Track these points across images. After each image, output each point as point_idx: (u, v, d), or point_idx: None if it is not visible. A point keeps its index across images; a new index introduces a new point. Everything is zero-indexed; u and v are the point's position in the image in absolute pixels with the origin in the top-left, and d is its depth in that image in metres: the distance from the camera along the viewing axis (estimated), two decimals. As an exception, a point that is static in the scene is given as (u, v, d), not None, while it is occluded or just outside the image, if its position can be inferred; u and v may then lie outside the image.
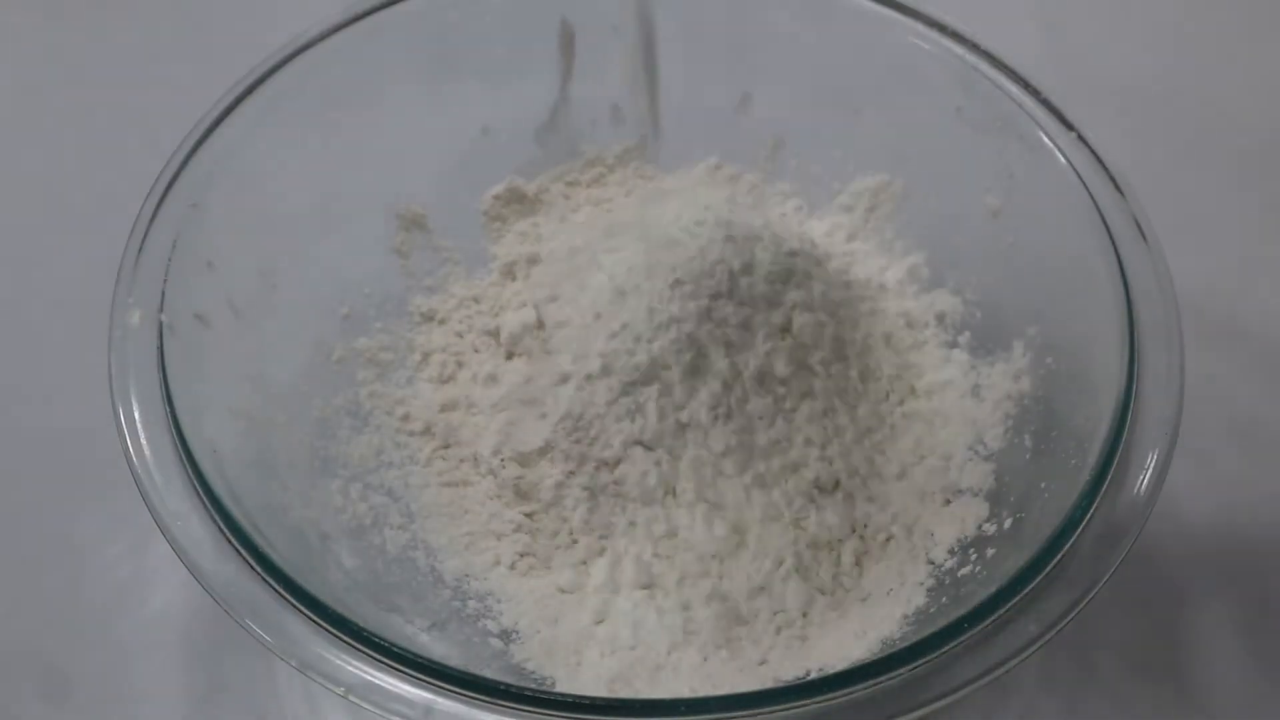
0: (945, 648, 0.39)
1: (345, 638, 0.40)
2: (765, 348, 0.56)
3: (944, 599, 0.48)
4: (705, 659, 0.49)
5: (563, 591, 0.52)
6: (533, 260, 0.62)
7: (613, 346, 0.54)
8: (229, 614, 0.41)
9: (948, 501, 0.53)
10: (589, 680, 0.48)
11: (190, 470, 0.43)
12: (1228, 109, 0.77)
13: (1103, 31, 0.83)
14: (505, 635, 0.50)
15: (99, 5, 0.81)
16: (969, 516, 0.52)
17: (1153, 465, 0.44)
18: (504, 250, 0.63)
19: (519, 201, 0.64)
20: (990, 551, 0.49)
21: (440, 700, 0.38)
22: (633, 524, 0.53)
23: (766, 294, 0.57)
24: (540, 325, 0.58)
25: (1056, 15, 0.83)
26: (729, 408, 0.55)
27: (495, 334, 0.59)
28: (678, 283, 0.54)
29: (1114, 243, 0.50)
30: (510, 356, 0.58)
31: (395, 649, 0.39)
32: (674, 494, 0.54)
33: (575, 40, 0.63)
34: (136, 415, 0.44)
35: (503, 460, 0.55)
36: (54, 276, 0.66)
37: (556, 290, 0.60)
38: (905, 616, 0.49)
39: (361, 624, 0.40)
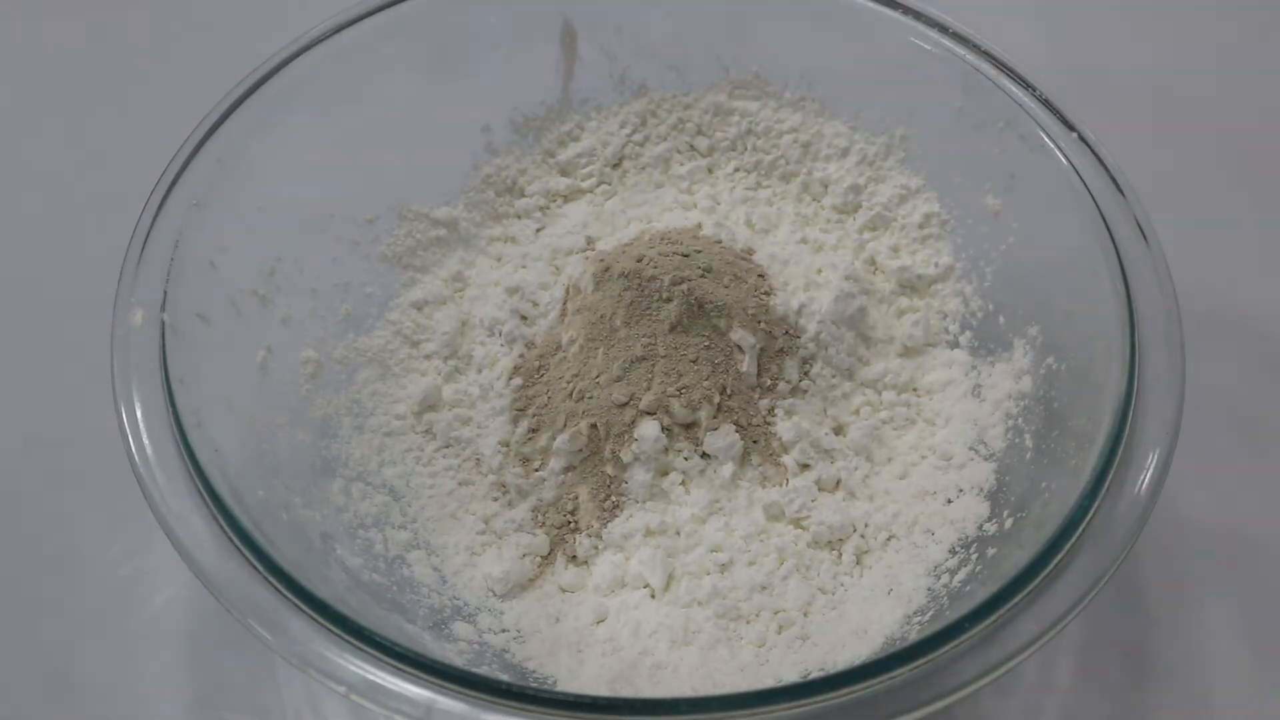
0: (946, 648, 0.39)
1: (347, 637, 0.40)
2: (762, 348, 0.56)
3: (945, 598, 0.48)
4: (705, 659, 0.49)
5: (564, 591, 0.52)
6: (532, 256, 0.62)
7: (612, 346, 0.54)
8: (230, 613, 0.41)
9: (948, 501, 0.53)
10: (590, 679, 0.48)
11: (192, 469, 0.43)
12: (1228, 110, 0.77)
13: (1104, 32, 0.83)
14: (506, 634, 0.50)
15: (99, 5, 0.82)
16: (969, 516, 0.52)
17: (1153, 465, 0.44)
18: (499, 248, 0.63)
19: (509, 192, 0.64)
20: (990, 551, 0.49)
21: (442, 699, 0.38)
22: (633, 524, 0.53)
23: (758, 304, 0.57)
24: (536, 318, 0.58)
25: (1058, 16, 0.83)
26: (731, 408, 0.55)
27: (496, 333, 0.59)
28: (677, 278, 0.55)
29: (1114, 243, 0.50)
30: (513, 365, 0.58)
31: (397, 648, 0.39)
32: (674, 494, 0.54)
33: (576, 40, 0.63)
34: (139, 414, 0.44)
35: (504, 459, 0.55)
36: (56, 276, 0.66)
37: (547, 279, 0.60)
38: (906, 616, 0.49)
39: (363, 623, 0.40)
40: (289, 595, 0.41)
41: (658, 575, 0.51)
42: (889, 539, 0.53)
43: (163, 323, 0.47)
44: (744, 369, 0.55)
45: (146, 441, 0.44)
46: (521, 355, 0.57)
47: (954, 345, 0.59)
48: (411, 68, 0.60)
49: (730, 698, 0.39)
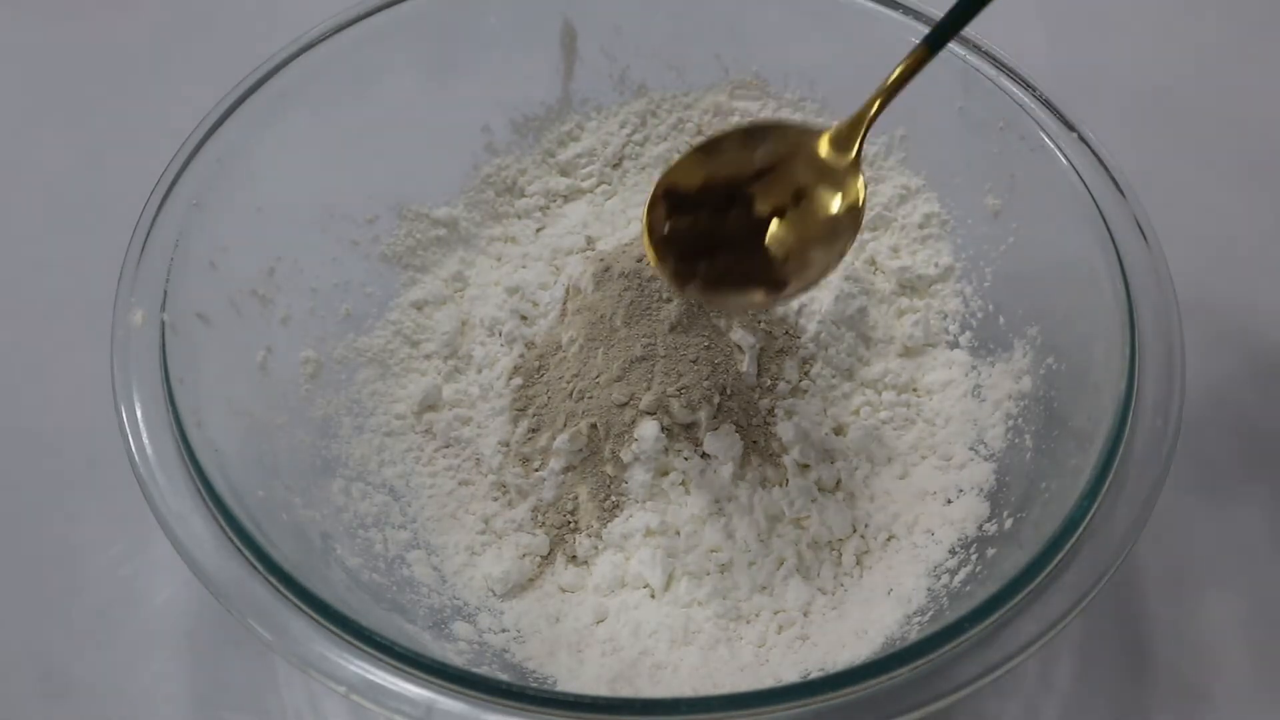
0: (945, 648, 0.40)
1: (347, 637, 0.40)
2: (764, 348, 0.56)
3: (945, 599, 0.48)
4: (705, 659, 0.49)
5: (564, 591, 0.52)
6: (532, 256, 0.62)
7: (612, 346, 0.54)
8: (230, 613, 0.41)
9: (948, 501, 0.53)
10: (590, 679, 0.48)
11: (192, 469, 0.43)
12: (1228, 109, 0.77)
13: (1104, 33, 0.83)
14: (506, 634, 0.50)
15: (99, 5, 0.82)
16: (969, 516, 0.52)
17: (1153, 465, 0.44)
18: (499, 248, 0.63)
19: (509, 192, 0.64)
20: (990, 551, 0.49)
21: (442, 699, 0.38)
22: (633, 524, 0.53)
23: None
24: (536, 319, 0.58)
25: (1058, 16, 0.83)
26: (731, 408, 0.55)
27: (496, 333, 0.59)
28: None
29: (1114, 243, 0.50)
30: (513, 365, 0.58)
31: (397, 648, 0.39)
32: (674, 494, 0.54)
33: (576, 40, 0.63)
34: (139, 414, 0.44)
35: (504, 460, 0.55)
36: (56, 276, 0.66)
37: (546, 279, 0.60)
38: (906, 616, 0.49)
39: (363, 623, 0.40)
40: (289, 595, 0.41)
41: (658, 575, 0.51)
42: (889, 539, 0.53)
43: (163, 323, 0.47)
44: (744, 369, 0.55)
45: (146, 441, 0.44)
46: (521, 355, 0.57)
47: (954, 345, 0.59)
48: (411, 68, 0.60)
49: (730, 698, 0.39)
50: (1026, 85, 0.56)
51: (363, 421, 0.55)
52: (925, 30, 0.59)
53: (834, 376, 0.57)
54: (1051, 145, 0.54)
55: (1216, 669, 0.54)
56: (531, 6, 0.62)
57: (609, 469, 0.54)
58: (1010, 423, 0.54)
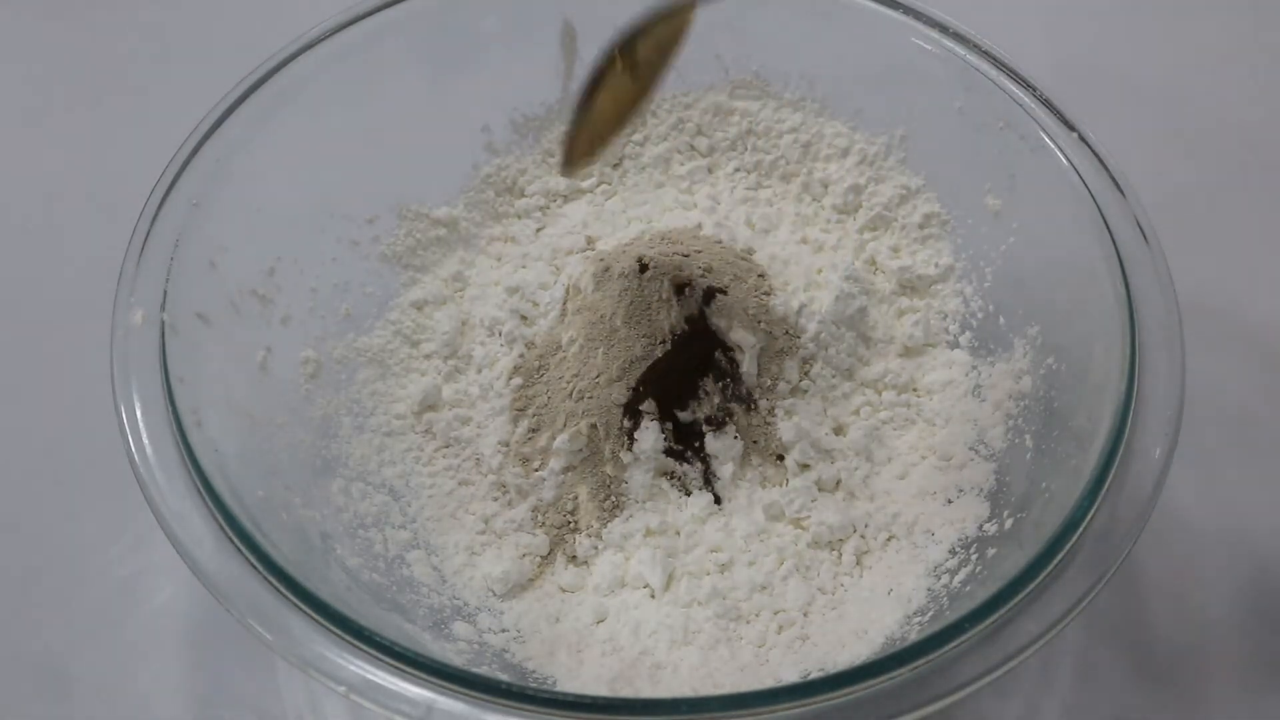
0: (945, 648, 0.39)
1: (346, 636, 0.40)
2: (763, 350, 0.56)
3: (945, 599, 0.48)
4: (705, 659, 0.49)
5: (563, 591, 0.52)
6: (532, 256, 0.62)
7: (612, 344, 0.54)
8: (230, 613, 0.41)
9: (948, 501, 0.53)
10: (590, 679, 0.48)
11: (192, 469, 0.43)
12: (1228, 109, 0.77)
13: (1104, 32, 0.83)
14: (506, 634, 0.50)
15: (99, 5, 0.82)
16: (969, 516, 0.52)
17: (1153, 465, 0.44)
18: (499, 248, 0.63)
19: (509, 192, 0.65)
20: (990, 551, 0.49)
21: (441, 699, 0.38)
22: (633, 524, 0.53)
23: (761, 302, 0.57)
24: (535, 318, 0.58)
25: (1058, 16, 0.83)
26: (731, 409, 0.55)
27: (496, 333, 0.59)
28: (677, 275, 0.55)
29: (1115, 243, 0.50)
30: (513, 365, 0.58)
31: (396, 648, 0.39)
32: (674, 494, 0.54)
33: (576, 40, 0.63)
34: (138, 414, 0.44)
35: (504, 460, 0.55)
36: (56, 276, 0.66)
37: (546, 280, 0.60)
38: (906, 616, 0.49)
39: (363, 623, 0.40)
40: (289, 595, 0.41)
41: (657, 575, 0.51)
42: (889, 539, 0.53)
43: (163, 323, 0.47)
44: (744, 369, 0.55)
45: (146, 441, 0.44)
46: (521, 355, 0.57)
47: (954, 345, 0.59)
48: (411, 68, 0.60)
49: (730, 698, 0.39)
50: (1026, 85, 0.56)
51: (363, 421, 0.55)
52: (925, 30, 0.59)
53: (834, 376, 0.57)
54: (1051, 145, 0.54)
55: (1216, 669, 0.54)
56: (531, 6, 0.62)
57: (609, 469, 0.54)
58: (1010, 423, 0.54)
